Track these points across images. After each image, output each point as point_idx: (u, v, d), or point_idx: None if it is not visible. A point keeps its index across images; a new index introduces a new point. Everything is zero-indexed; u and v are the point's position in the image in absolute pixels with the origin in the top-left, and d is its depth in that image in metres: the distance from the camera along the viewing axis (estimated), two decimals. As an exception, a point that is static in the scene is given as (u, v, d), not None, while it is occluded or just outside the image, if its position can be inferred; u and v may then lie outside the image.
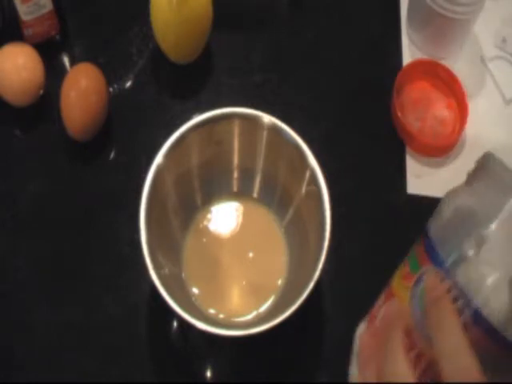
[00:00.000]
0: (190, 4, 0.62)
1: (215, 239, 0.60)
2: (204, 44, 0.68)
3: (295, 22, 0.73)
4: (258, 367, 0.57)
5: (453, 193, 0.45)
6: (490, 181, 0.42)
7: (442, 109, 0.69)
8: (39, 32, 0.67)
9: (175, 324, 0.58)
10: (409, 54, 0.72)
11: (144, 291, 0.58)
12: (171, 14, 0.62)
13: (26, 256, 0.60)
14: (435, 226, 0.44)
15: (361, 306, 0.59)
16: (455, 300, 0.39)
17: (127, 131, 0.66)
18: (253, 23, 0.73)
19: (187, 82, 0.69)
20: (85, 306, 0.59)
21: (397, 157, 0.67)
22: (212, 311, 0.57)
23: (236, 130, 0.58)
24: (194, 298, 0.57)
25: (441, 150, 0.67)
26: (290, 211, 0.59)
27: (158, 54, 0.68)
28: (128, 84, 0.68)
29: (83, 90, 0.62)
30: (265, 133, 0.57)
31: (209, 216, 0.60)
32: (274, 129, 0.56)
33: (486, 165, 0.44)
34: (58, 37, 0.69)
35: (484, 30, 0.73)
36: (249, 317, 0.57)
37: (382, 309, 0.48)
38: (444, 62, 0.70)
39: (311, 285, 0.50)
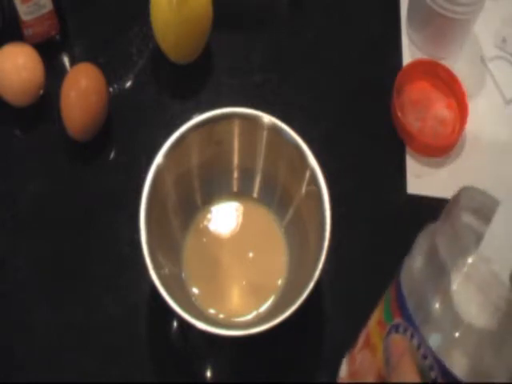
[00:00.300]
0: (190, 4, 0.62)
1: (215, 239, 0.60)
2: (204, 44, 0.68)
3: (295, 22, 0.73)
4: (258, 367, 0.57)
5: (425, 234, 0.45)
6: (460, 223, 0.42)
7: (442, 109, 0.69)
8: (39, 32, 0.67)
9: (175, 324, 0.58)
10: (409, 54, 0.72)
11: (144, 291, 0.58)
12: (171, 13, 0.62)
13: (26, 256, 0.60)
14: (406, 277, 0.44)
15: (361, 306, 0.59)
16: (424, 358, 0.40)
17: (127, 131, 0.66)
18: (253, 23, 0.73)
19: (187, 82, 0.69)
20: (85, 306, 0.59)
21: (397, 157, 0.67)
22: (212, 311, 0.57)
23: (236, 130, 0.58)
24: (193, 298, 0.57)
25: (441, 150, 0.67)
26: (290, 211, 0.59)
27: (158, 54, 0.68)
28: (128, 84, 0.68)
29: (83, 90, 0.62)
30: (265, 133, 0.57)
31: (209, 216, 0.60)
32: (274, 129, 0.56)
33: (458, 203, 0.43)
34: (57, 37, 0.69)
35: (484, 30, 0.73)
36: (249, 317, 0.57)
37: (359, 355, 0.49)
38: (444, 62, 0.70)
39: (311, 285, 0.50)
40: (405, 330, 0.42)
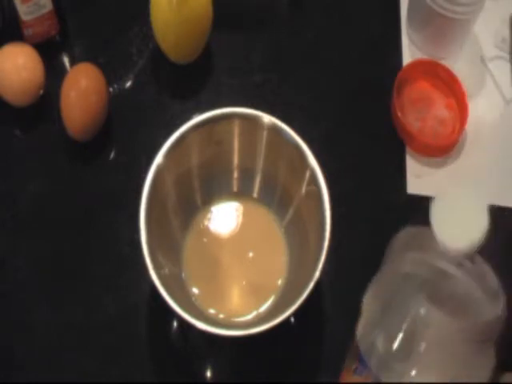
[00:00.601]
0: (190, 4, 0.62)
1: (215, 239, 0.60)
2: (204, 44, 0.68)
3: (295, 22, 0.73)
4: (258, 367, 0.57)
5: (375, 282, 0.46)
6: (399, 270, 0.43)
7: (441, 109, 0.69)
8: (39, 32, 0.67)
9: (175, 324, 0.58)
10: (409, 54, 0.72)
11: (144, 291, 0.58)
12: (171, 13, 0.62)
13: (26, 256, 0.60)
14: (360, 323, 0.46)
15: (361, 306, 0.59)
16: None
17: (127, 131, 0.66)
18: (253, 23, 0.73)
19: (187, 82, 0.69)
20: (85, 306, 0.59)
21: (397, 157, 0.67)
22: (212, 311, 0.57)
23: (236, 130, 0.58)
24: (193, 298, 0.57)
25: (441, 150, 0.67)
26: (290, 211, 0.59)
27: (158, 54, 0.68)
28: (128, 84, 0.68)
29: (83, 90, 0.62)
30: (265, 133, 0.57)
31: (209, 216, 0.60)
32: (273, 129, 0.56)
33: (396, 249, 0.44)
34: (57, 37, 0.69)
35: (484, 30, 0.73)
36: (249, 317, 0.57)
37: None
38: (444, 62, 0.70)
39: (311, 285, 0.50)
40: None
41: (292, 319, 0.58)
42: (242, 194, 0.61)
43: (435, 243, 0.41)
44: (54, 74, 0.66)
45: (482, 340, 0.40)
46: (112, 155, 0.65)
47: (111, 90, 0.67)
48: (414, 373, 0.41)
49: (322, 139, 0.65)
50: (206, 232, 0.60)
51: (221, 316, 0.57)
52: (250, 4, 0.74)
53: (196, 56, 0.68)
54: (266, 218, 0.60)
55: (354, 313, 0.59)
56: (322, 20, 0.73)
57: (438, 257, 0.43)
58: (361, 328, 0.45)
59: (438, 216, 0.40)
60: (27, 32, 0.66)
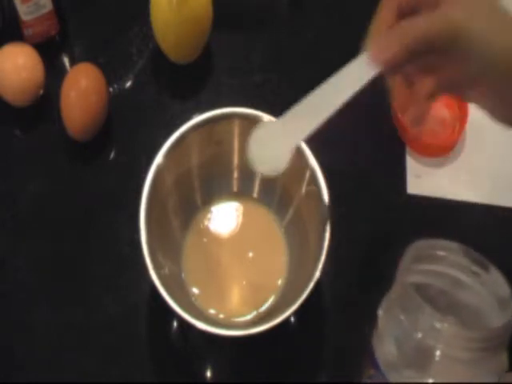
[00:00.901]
0: (190, 4, 0.62)
1: (215, 239, 0.60)
2: (204, 44, 0.68)
3: (295, 22, 0.73)
4: (258, 367, 0.57)
5: (389, 294, 0.47)
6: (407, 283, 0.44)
7: (441, 109, 0.69)
8: (39, 32, 0.67)
9: (175, 324, 0.58)
10: (409, 53, 0.71)
11: (144, 291, 0.58)
12: (171, 14, 0.62)
13: (26, 256, 0.60)
14: (375, 334, 0.47)
15: (361, 306, 0.59)
16: None
17: (127, 131, 0.66)
18: (253, 23, 0.73)
19: (187, 82, 0.69)
20: (85, 305, 0.59)
21: (397, 157, 0.67)
22: (212, 311, 0.57)
23: (236, 130, 0.58)
24: (193, 298, 0.57)
25: (441, 150, 0.67)
26: (290, 211, 0.59)
27: (157, 54, 0.68)
28: (128, 84, 0.68)
29: (83, 90, 0.62)
30: (265, 133, 0.57)
31: (209, 216, 0.60)
32: (274, 129, 0.56)
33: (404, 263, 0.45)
34: (57, 37, 0.69)
35: (484, 29, 0.73)
36: (249, 317, 0.57)
37: None
38: (444, 62, 0.70)
39: (311, 285, 0.50)
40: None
41: (292, 319, 0.58)
42: (241, 194, 0.61)
43: (448, 254, 0.43)
44: (54, 74, 0.66)
45: (494, 346, 0.40)
46: (112, 155, 0.65)
47: (111, 90, 0.67)
48: (429, 381, 0.42)
49: (322, 139, 0.65)
50: (206, 232, 0.60)
51: (221, 316, 0.57)
52: (250, 4, 0.74)
53: (196, 56, 0.68)
54: (266, 218, 0.60)
55: (354, 313, 0.59)
56: (321, 20, 0.73)
57: (451, 267, 0.44)
58: (376, 337, 0.46)
59: (255, 139, 0.46)
60: (27, 32, 0.66)
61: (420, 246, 0.45)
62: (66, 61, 0.69)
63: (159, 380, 0.57)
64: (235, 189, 0.61)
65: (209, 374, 0.58)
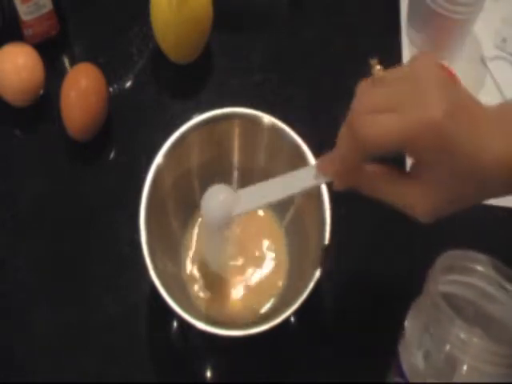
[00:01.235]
0: (190, 4, 0.62)
1: (215, 239, 0.60)
2: (204, 44, 0.68)
3: (295, 22, 0.73)
4: (258, 367, 0.57)
5: (417, 303, 0.47)
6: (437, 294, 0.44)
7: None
8: (39, 32, 0.67)
9: (175, 324, 0.58)
10: (409, 54, 0.71)
11: (144, 291, 0.58)
12: (171, 14, 0.62)
13: (26, 256, 0.60)
14: (402, 343, 0.47)
15: (361, 306, 0.59)
16: None
17: (127, 131, 0.66)
18: (253, 23, 0.73)
19: (187, 82, 0.69)
20: (85, 305, 0.59)
21: (397, 157, 0.67)
22: (212, 311, 0.57)
23: (236, 130, 0.58)
24: (193, 298, 0.57)
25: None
26: (290, 211, 0.59)
27: (157, 54, 0.68)
28: (128, 84, 0.68)
29: (83, 90, 0.62)
30: (265, 133, 0.57)
31: (209, 216, 0.60)
32: (273, 129, 0.56)
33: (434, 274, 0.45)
34: (58, 37, 0.69)
35: (484, 30, 0.73)
36: (249, 317, 0.57)
37: None
38: (444, 62, 0.70)
39: (311, 285, 0.50)
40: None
41: (292, 319, 0.58)
42: (241, 194, 0.61)
43: (478, 266, 0.43)
44: (54, 74, 0.66)
45: None
46: (112, 155, 0.65)
47: (111, 90, 0.67)
48: None
49: (322, 139, 0.65)
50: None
51: (221, 316, 0.57)
52: (250, 4, 0.74)
53: (196, 56, 0.68)
54: (266, 218, 0.60)
55: (354, 313, 0.59)
56: (321, 20, 0.73)
57: (481, 279, 0.44)
58: (403, 347, 0.46)
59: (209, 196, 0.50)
60: (27, 32, 0.66)
61: (451, 256, 0.45)
62: (65, 61, 0.70)
63: (159, 380, 0.57)
64: (235, 189, 0.61)
65: (209, 374, 0.58)
